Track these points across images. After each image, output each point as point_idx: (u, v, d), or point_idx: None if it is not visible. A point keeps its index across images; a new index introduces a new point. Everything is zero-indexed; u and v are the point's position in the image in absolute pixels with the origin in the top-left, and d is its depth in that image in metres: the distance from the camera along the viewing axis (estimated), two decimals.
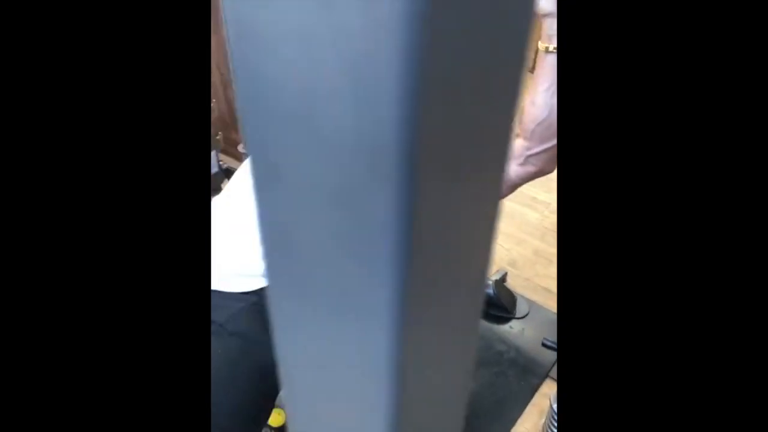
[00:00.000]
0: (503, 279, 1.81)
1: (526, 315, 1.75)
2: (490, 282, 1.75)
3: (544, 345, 1.54)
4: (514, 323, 1.73)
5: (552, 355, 1.62)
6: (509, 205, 2.20)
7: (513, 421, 1.46)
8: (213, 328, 0.91)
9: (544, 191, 2.29)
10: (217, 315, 0.92)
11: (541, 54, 0.93)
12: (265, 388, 0.91)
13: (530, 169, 1.02)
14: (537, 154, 0.99)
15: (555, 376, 1.57)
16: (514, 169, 1.04)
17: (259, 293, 0.96)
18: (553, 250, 2.03)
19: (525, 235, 2.08)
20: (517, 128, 1.05)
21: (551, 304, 1.81)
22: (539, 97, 0.94)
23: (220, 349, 0.89)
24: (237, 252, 1.00)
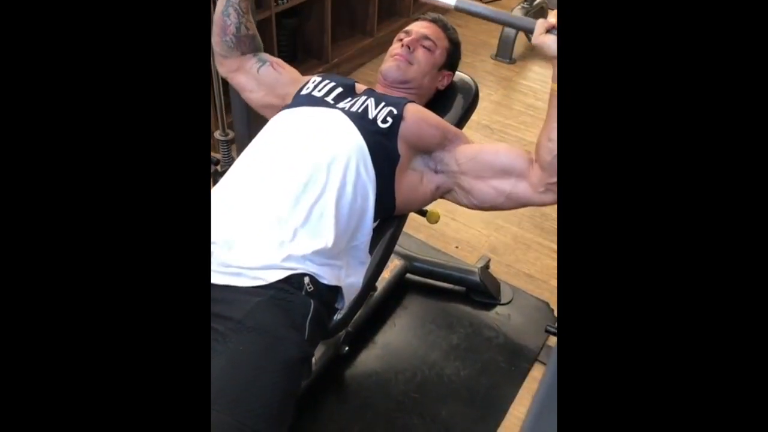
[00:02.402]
0: (487, 266, 1.83)
1: (511, 301, 1.77)
2: (476, 269, 1.76)
3: (547, 331, 1.56)
4: (499, 309, 1.75)
5: (540, 339, 1.65)
6: None
7: (507, 406, 1.48)
8: (231, 325, 0.87)
9: None
10: (234, 311, 0.88)
11: (553, 93, 0.99)
12: (290, 385, 0.88)
13: (549, 197, 1.07)
14: (555, 183, 1.04)
15: (544, 360, 1.59)
16: (536, 196, 1.08)
17: (276, 286, 0.92)
18: (531, 235, 2.05)
19: (503, 222, 2.11)
20: (533, 157, 1.06)
21: (533, 289, 1.84)
22: (555, 133, 1.00)
23: (242, 346, 0.86)
24: (247, 244, 0.97)
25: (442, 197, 1.21)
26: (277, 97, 1.30)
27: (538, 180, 1.06)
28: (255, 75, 1.31)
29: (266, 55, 1.33)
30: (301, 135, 1.11)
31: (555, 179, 1.04)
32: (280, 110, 1.20)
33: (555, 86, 0.97)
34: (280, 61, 1.34)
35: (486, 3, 3.78)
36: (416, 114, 1.15)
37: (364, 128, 1.10)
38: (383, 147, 1.10)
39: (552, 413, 0.45)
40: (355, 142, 1.08)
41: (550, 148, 1.02)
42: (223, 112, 1.77)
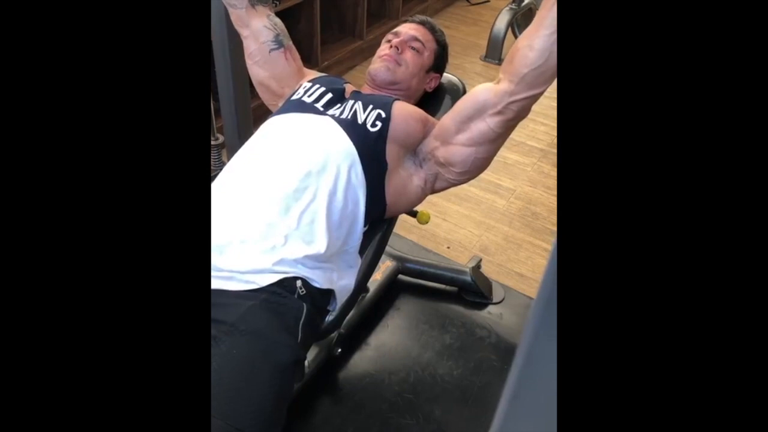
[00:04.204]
0: (478, 266, 1.84)
1: (503, 300, 1.78)
2: (467, 269, 1.77)
3: None
4: (491, 309, 1.76)
5: None
6: (476, 192, 2.23)
7: None
8: (224, 328, 0.87)
9: (509, 178, 2.33)
10: (226, 315, 0.88)
11: None
12: (283, 388, 0.89)
13: (509, 115, 1.02)
14: (519, 101, 0.99)
15: None
16: (492, 121, 1.04)
17: (269, 289, 0.93)
18: (522, 235, 2.07)
19: (494, 222, 2.12)
20: (500, 74, 1.01)
21: (524, 288, 1.85)
22: (540, 41, 0.91)
23: (234, 349, 0.86)
24: (238, 249, 0.96)
25: (433, 191, 1.21)
26: (277, 84, 1.30)
27: (499, 99, 1.00)
28: (266, 53, 1.28)
29: (283, 36, 1.29)
30: (291, 142, 1.11)
31: (522, 95, 0.98)
32: (271, 115, 1.21)
33: None
34: (293, 47, 1.31)
35: (474, 4, 3.81)
36: (402, 112, 1.16)
37: (354, 134, 1.11)
38: (373, 152, 1.11)
39: (526, 398, 0.46)
40: (346, 149, 1.09)
41: (529, 59, 0.93)
42: (213, 116, 1.78)
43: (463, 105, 1.10)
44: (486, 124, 1.05)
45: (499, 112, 1.02)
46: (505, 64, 1.00)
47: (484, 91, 1.05)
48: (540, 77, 0.95)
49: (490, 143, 1.09)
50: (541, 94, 0.98)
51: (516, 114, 1.02)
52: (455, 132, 1.10)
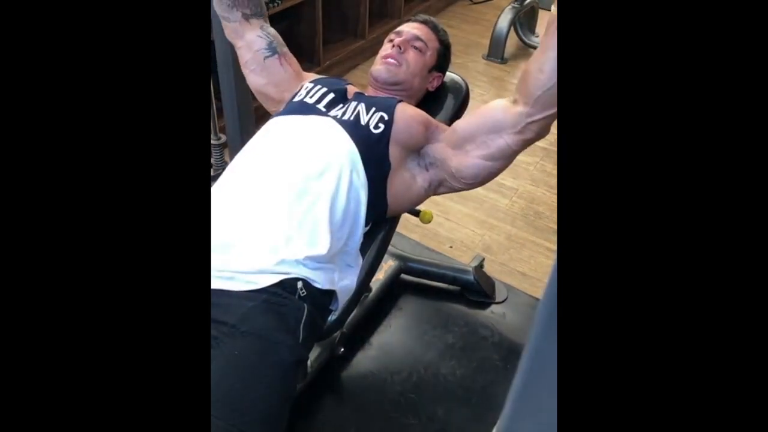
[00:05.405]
0: (481, 265, 1.83)
1: (505, 299, 1.78)
2: (470, 269, 1.76)
3: None
4: (494, 308, 1.75)
5: None
6: (479, 191, 2.22)
7: (503, 404, 1.48)
8: (225, 329, 0.87)
9: (512, 177, 2.33)
10: (227, 316, 0.88)
11: (554, 19, 0.92)
12: (284, 388, 0.89)
13: (528, 135, 1.05)
14: (537, 121, 1.02)
15: None
16: (512, 139, 1.06)
17: (269, 290, 0.92)
18: (525, 234, 2.06)
19: (496, 221, 2.11)
20: (515, 94, 1.04)
21: (527, 287, 1.84)
22: (549, 63, 0.95)
23: (236, 350, 0.85)
24: (241, 249, 0.96)
25: (435, 193, 1.21)
26: (276, 90, 1.30)
27: (517, 120, 1.03)
28: (261, 60, 1.28)
29: (277, 43, 1.29)
30: (293, 143, 1.11)
31: (539, 116, 1.01)
32: (273, 116, 1.21)
33: (555, 9, 0.89)
34: (288, 53, 1.32)
35: (476, 3, 3.80)
36: (405, 115, 1.16)
37: (356, 135, 1.10)
38: (376, 153, 1.11)
39: (531, 402, 0.46)
40: (348, 150, 1.09)
41: (541, 81, 0.97)
42: (215, 115, 1.77)
43: (479, 120, 1.11)
44: (505, 142, 1.07)
45: (519, 132, 1.05)
46: (519, 86, 1.03)
47: (500, 110, 1.07)
48: (553, 97, 0.97)
49: (506, 159, 1.11)
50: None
51: (536, 134, 1.05)
52: (471, 146, 1.11)
